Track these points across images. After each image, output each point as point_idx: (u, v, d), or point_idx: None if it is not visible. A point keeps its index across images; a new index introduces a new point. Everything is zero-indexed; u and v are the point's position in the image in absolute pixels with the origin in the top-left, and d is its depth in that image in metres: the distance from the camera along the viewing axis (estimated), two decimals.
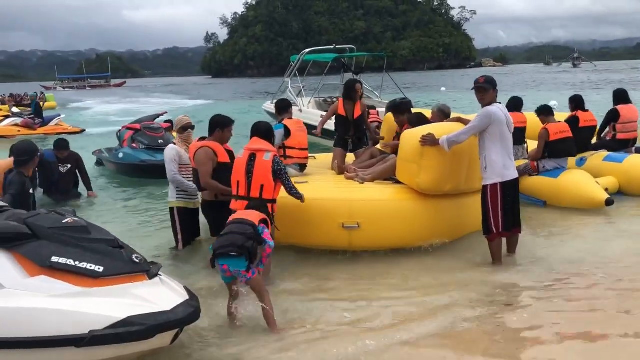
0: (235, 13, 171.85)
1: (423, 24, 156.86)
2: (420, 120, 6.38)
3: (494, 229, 5.38)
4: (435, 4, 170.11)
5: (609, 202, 7.07)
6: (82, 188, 9.69)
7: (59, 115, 23.13)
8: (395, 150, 6.51)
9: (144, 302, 3.58)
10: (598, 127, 8.72)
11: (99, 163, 12.49)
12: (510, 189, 5.34)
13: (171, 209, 6.26)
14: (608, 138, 8.81)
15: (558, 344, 3.96)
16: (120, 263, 3.75)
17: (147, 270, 3.84)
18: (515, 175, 5.40)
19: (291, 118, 7.03)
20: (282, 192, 5.30)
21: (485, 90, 5.35)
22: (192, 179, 5.98)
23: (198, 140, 5.80)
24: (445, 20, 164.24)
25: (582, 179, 7.42)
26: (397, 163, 6.05)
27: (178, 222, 6.23)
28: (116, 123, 21.63)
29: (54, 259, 3.60)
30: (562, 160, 7.72)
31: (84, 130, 21.47)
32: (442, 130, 5.64)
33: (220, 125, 5.72)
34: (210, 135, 5.76)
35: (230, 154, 5.72)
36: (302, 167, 6.86)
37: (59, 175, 9.28)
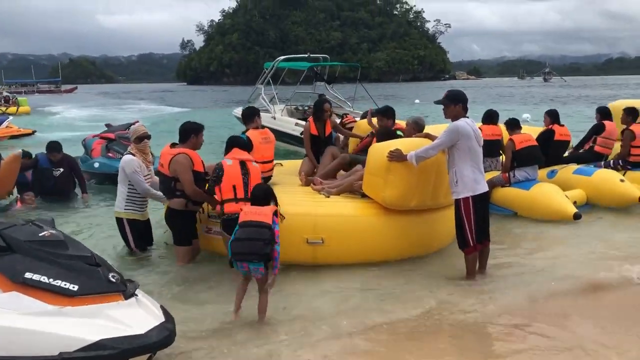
0: (212, 20, 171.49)
1: (398, 36, 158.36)
2: (388, 135, 6.38)
3: (470, 242, 5.38)
4: (411, 16, 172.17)
5: (577, 216, 7.27)
6: (77, 190, 9.64)
7: (8, 118, 23.19)
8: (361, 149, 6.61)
9: (118, 324, 3.49)
10: (571, 142, 9.09)
11: None
12: (481, 202, 5.36)
13: (119, 219, 6.17)
14: (584, 149, 9.16)
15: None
16: (95, 282, 3.64)
17: (124, 290, 3.73)
18: (486, 188, 5.43)
19: (258, 127, 6.78)
20: None
21: (445, 106, 5.38)
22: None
23: (170, 147, 5.68)
24: (420, 33, 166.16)
25: (552, 192, 7.58)
26: (364, 177, 6.00)
27: (129, 231, 6.17)
28: (82, 128, 21.35)
29: (28, 275, 3.47)
30: (531, 170, 7.91)
31: (35, 132, 21.66)
32: (409, 145, 5.63)
33: (194, 132, 5.70)
34: (183, 142, 5.70)
35: (202, 164, 5.74)
36: (265, 180, 6.52)
37: (54, 180, 9.21)
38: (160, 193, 6.04)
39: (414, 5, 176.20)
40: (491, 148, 8.19)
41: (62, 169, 9.30)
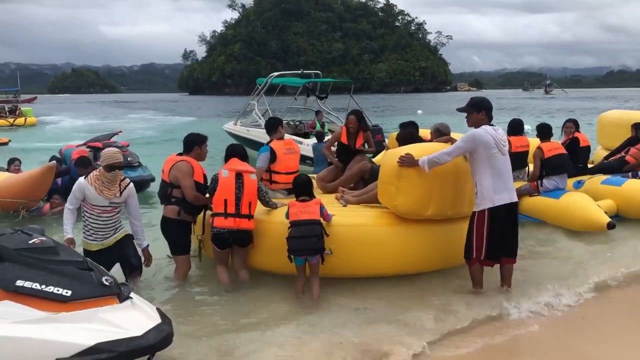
0: (214, 31, 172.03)
1: (400, 47, 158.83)
2: (410, 139, 6.01)
3: (474, 255, 5.12)
4: (413, 28, 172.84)
5: (610, 226, 6.90)
6: None
7: None
8: None
9: (114, 328, 3.44)
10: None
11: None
12: (501, 215, 5.01)
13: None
14: (614, 158, 8.94)
15: None
16: (89, 286, 3.60)
17: (118, 292, 3.69)
18: (509, 200, 5.04)
19: (282, 138, 6.58)
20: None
21: (468, 113, 5.18)
22: (95, 221, 5.34)
23: (176, 155, 5.70)
24: (422, 45, 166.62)
25: (584, 201, 7.27)
26: (378, 185, 5.67)
27: None
28: (74, 139, 21.00)
29: (19, 282, 3.42)
30: (560, 179, 7.71)
31: (9, 141, 21.63)
32: (424, 150, 5.28)
33: (198, 143, 5.68)
34: (187, 153, 5.68)
35: (204, 177, 5.70)
36: (290, 192, 6.35)
37: None
38: (69, 226, 5.41)
39: (416, 17, 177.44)
40: (519, 160, 8.04)
41: None
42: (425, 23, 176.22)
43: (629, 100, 62.26)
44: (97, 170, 5.37)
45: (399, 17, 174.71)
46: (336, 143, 7.73)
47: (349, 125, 7.53)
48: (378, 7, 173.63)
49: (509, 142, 7.99)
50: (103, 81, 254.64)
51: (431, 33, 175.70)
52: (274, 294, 5.34)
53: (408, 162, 5.20)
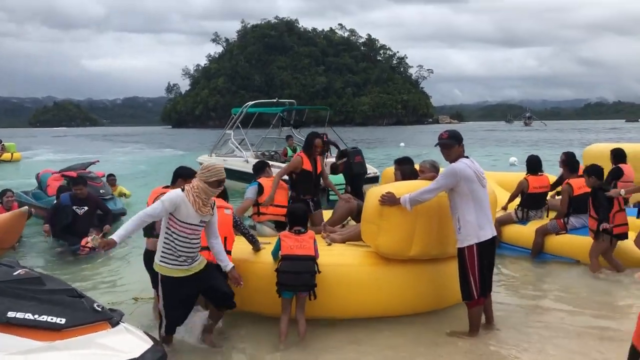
0: (198, 65, 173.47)
1: (382, 81, 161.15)
2: (413, 174, 5.83)
3: (475, 294, 4.86)
4: (394, 62, 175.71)
5: None
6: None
7: None
8: None
9: (112, 351, 3.46)
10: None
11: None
12: (486, 250, 4.85)
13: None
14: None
15: None
16: (82, 313, 3.59)
17: (110, 318, 3.69)
18: (491, 234, 4.89)
19: (268, 177, 6.72)
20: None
21: (450, 146, 4.90)
22: (183, 242, 4.64)
23: (162, 188, 5.56)
24: (403, 78, 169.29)
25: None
26: (361, 224, 5.51)
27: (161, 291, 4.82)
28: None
29: (11, 314, 3.36)
30: (587, 217, 7.19)
31: None
32: (406, 188, 5.11)
33: (183, 176, 5.50)
34: (173, 185, 5.49)
35: None
36: (278, 224, 6.33)
37: (74, 217, 8.74)
38: (123, 232, 4.59)
39: (397, 52, 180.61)
40: (538, 200, 7.87)
41: (86, 207, 8.85)
42: (407, 57, 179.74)
43: (609, 132, 63.46)
44: (194, 184, 4.61)
45: (381, 52, 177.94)
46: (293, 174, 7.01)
47: (315, 150, 7.00)
48: (360, 41, 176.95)
49: (527, 180, 7.92)
50: (85, 114, 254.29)
51: (412, 67, 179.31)
52: (257, 335, 5.10)
53: (389, 200, 5.02)
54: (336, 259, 5.30)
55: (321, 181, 7.39)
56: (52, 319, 3.42)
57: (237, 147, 16.25)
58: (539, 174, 8.09)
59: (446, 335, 5.03)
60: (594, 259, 6.81)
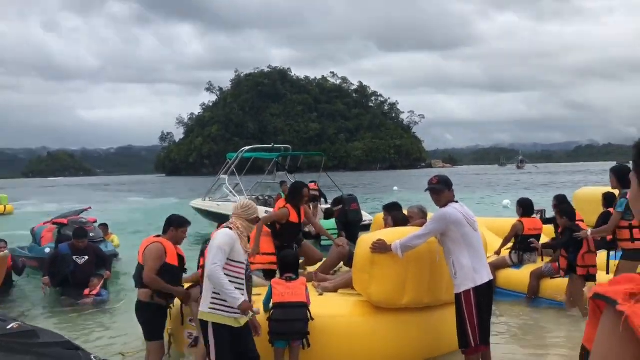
0: (192, 113, 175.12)
1: (375, 126, 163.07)
2: (404, 221, 5.81)
3: (472, 342, 4.70)
4: (386, 108, 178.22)
5: None
6: None
7: None
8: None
9: None
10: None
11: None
12: (483, 294, 4.73)
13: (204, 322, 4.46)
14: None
15: None
16: None
17: None
18: (487, 278, 4.78)
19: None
20: None
21: (440, 192, 4.87)
22: (238, 283, 4.38)
23: (154, 237, 5.56)
24: (395, 123, 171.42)
25: None
26: (352, 272, 5.43)
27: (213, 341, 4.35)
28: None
29: None
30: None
31: None
32: (397, 234, 5.06)
33: (174, 224, 5.54)
34: (164, 234, 5.54)
35: (181, 259, 5.59)
36: (267, 273, 6.18)
37: (75, 266, 8.67)
38: (234, 291, 4.29)
39: (389, 98, 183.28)
40: (525, 242, 7.80)
41: (86, 257, 8.81)
42: (398, 103, 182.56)
43: (598, 174, 63.91)
44: (237, 224, 4.40)
45: (373, 98, 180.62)
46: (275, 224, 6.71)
47: (302, 199, 6.77)
48: (352, 88, 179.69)
49: (522, 223, 7.90)
50: (79, 164, 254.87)
51: (404, 112, 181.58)
52: None
53: (380, 248, 4.98)
54: (329, 309, 5.20)
55: (308, 228, 7.30)
56: None
57: (231, 192, 16.20)
58: (532, 216, 8.11)
59: None
60: (567, 297, 7.03)
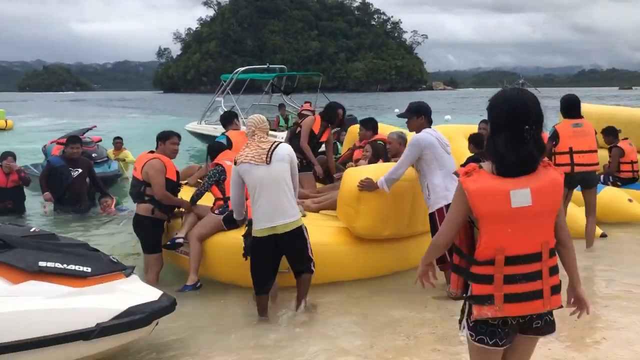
0: (189, 29, 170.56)
1: (376, 46, 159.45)
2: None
3: (448, 257, 5.02)
4: (389, 27, 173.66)
5: (602, 236, 7.11)
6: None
7: None
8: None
9: (135, 295, 3.86)
10: None
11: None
12: None
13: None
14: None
15: None
16: (102, 263, 3.97)
17: (124, 269, 4.09)
18: None
19: (237, 129, 6.90)
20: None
21: (409, 119, 5.26)
22: None
23: (148, 153, 5.66)
24: (397, 44, 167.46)
25: (574, 212, 6.98)
26: (337, 204, 5.74)
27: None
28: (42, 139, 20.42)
29: (42, 263, 3.68)
30: None
31: None
32: (380, 171, 5.36)
33: (161, 138, 5.71)
34: (157, 150, 5.71)
35: (177, 174, 5.81)
36: None
37: (71, 180, 8.26)
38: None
39: (392, 16, 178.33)
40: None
41: (80, 170, 8.37)
42: (401, 22, 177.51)
43: (604, 99, 63.36)
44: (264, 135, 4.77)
45: (375, 16, 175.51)
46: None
47: (336, 118, 7.03)
48: (354, 5, 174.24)
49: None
50: (75, 79, 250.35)
51: (407, 32, 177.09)
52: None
53: (368, 186, 5.28)
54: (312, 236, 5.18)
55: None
56: (79, 268, 3.77)
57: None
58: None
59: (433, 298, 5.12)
60: None
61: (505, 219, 2.32)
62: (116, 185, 10.89)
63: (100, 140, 12.57)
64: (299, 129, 7.25)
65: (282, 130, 14.44)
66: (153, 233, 5.59)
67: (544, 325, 2.45)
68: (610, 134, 8.71)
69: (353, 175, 5.48)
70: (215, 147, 6.04)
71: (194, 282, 5.38)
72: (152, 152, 5.69)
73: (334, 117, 7.03)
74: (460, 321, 2.53)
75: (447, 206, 4.73)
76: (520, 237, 2.33)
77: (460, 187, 2.38)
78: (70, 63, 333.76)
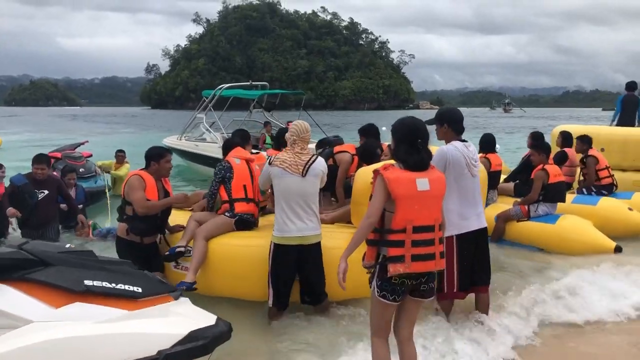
0: (178, 45, 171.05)
1: (364, 65, 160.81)
2: (370, 153, 5.86)
3: (445, 289, 4.52)
4: (376, 47, 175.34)
5: (618, 249, 6.72)
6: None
7: None
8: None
9: (191, 319, 3.36)
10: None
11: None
12: (469, 242, 4.48)
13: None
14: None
15: None
16: (152, 283, 3.50)
17: (174, 290, 3.63)
18: (477, 226, 4.51)
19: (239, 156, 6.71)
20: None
21: (437, 127, 4.56)
22: None
23: (137, 171, 5.51)
24: (385, 63, 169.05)
25: (584, 226, 6.97)
26: (351, 206, 5.53)
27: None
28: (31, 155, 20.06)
29: (88, 282, 3.19)
30: (552, 207, 7.20)
31: None
32: None
33: (154, 158, 5.39)
34: (147, 169, 5.43)
35: (166, 194, 5.48)
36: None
37: (36, 200, 7.10)
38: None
39: (379, 36, 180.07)
40: (492, 179, 7.11)
41: (46, 191, 7.23)
42: (389, 42, 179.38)
43: (588, 121, 64.35)
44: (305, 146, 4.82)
45: (363, 36, 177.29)
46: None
47: (373, 160, 5.83)
48: (342, 25, 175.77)
49: (489, 160, 7.42)
50: (62, 94, 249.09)
51: (394, 52, 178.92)
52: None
53: None
54: (326, 241, 5.10)
55: None
56: (129, 287, 3.30)
57: (207, 130, 15.73)
58: (495, 151, 7.89)
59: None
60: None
61: (413, 198, 3.27)
62: (104, 202, 10.29)
63: (91, 156, 12.40)
64: (331, 161, 6.35)
65: (268, 149, 14.47)
66: (127, 256, 4.82)
67: (429, 290, 3.39)
68: (585, 142, 8.69)
69: (365, 173, 5.19)
70: (226, 144, 5.79)
71: (192, 281, 5.06)
72: (142, 170, 5.45)
73: (374, 158, 5.93)
74: (370, 281, 3.38)
75: (458, 236, 4.44)
76: (423, 212, 3.29)
77: (382, 178, 3.28)
78: (58, 78, 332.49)
